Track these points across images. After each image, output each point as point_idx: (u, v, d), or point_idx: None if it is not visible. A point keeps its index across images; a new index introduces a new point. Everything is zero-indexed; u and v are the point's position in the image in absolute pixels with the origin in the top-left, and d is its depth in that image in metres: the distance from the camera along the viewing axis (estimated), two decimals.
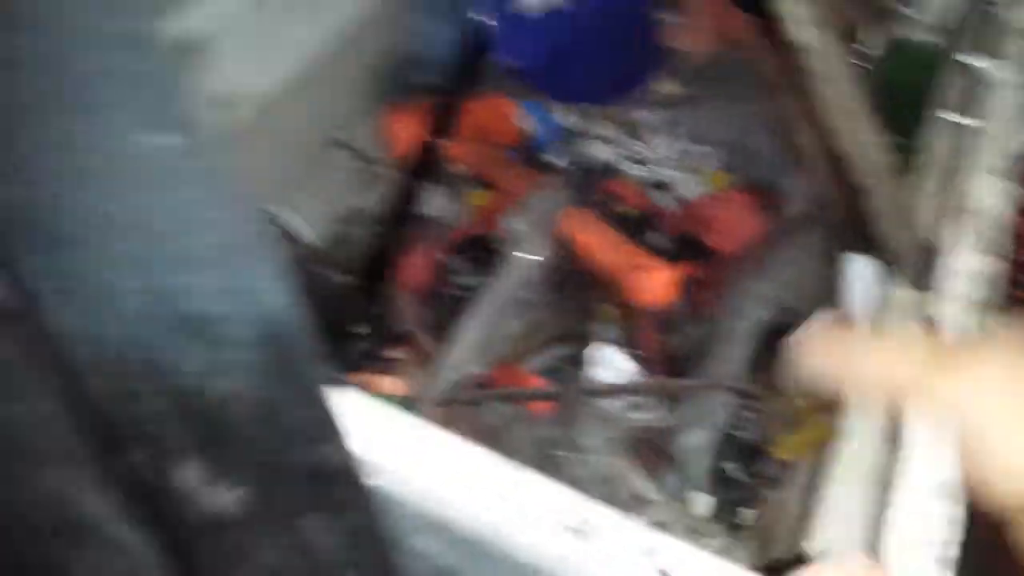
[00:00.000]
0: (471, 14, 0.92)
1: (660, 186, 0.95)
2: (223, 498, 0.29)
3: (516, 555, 0.30)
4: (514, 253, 0.70)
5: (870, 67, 0.99)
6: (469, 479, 0.31)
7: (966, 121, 0.62)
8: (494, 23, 0.90)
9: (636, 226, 0.86)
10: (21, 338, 0.34)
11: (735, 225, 0.86)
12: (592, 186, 0.91)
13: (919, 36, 1.00)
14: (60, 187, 0.20)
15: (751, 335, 0.76)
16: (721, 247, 0.84)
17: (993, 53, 0.64)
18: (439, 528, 0.32)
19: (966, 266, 0.48)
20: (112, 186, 0.20)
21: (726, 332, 0.75)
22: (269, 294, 0.24)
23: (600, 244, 0.78)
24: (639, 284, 0.74)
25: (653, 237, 0.86)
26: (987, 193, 0.52)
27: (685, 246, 0.85)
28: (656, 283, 0.75)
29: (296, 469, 0.29)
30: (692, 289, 0.82)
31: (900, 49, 0.99)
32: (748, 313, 0.76)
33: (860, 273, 0.71)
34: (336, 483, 0.29)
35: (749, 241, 0.84)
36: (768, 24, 0.94)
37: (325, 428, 0.28)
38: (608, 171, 0.96)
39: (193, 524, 0.29)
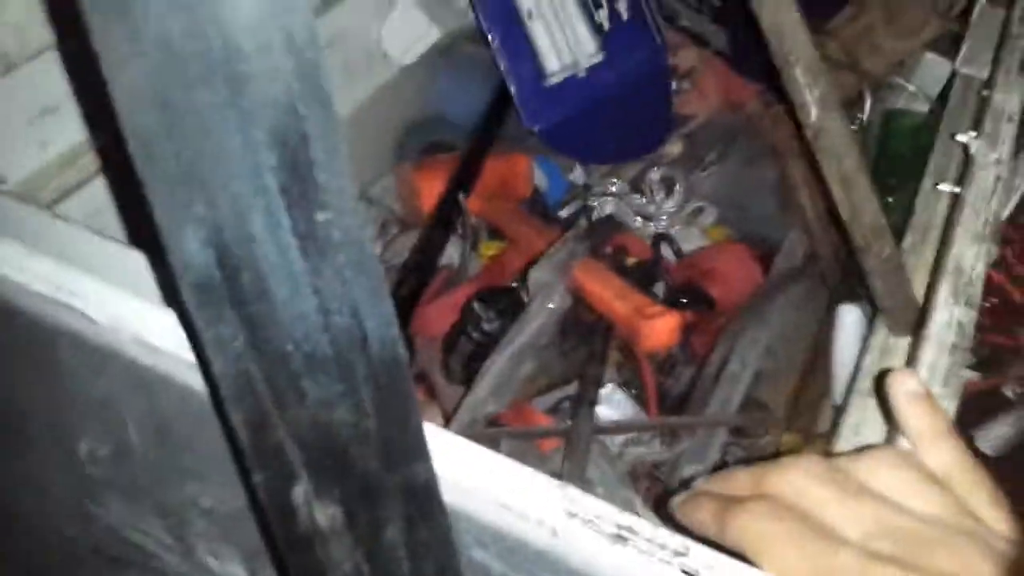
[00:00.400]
0: (494, 79, 1.00)
1: (663, 239, 1.02)
2: (321, 515, 0.35)
3: (564, 561, 0.36)
4: (534, 302, 0.76)
5: (867, 134, 1.07)
6: (519, 494, 0.37)
7: (950, 188, 0.69)
8: (515, 88, 0.97)
9: (641, 276, 0.92)
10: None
11: (733, 276, 0.93)
12: (600, 239, 0.98)
13: (912, 107, 1.08)
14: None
15: (745, 378, 0.83)
16: (719, 296, 0.91)
17: (976, 129, 0.71)
18: (494, 539, 0.38)
19: (945, 316, 0.54)
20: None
21: (722, 375, 0.81)
22: (381, 333, 0.31)
23: (608, 293, 0.84)
24: (644, 330, 0.80)
25: (657, 287, 0.92)
26: (967, 254, 0.58)
27: (687, 295, 0.91)
28: (660, 329, 0.81)
29: (387, 487, 0.34)
30: (691, 335, 0.88)
31: (894, 118, 1.08)
32: (743, 358, 0.82)
33: (849, 322, 0.78)
34: (418, 499, 0.35)
35: (745, 291, 0.90)
36: (772, 94, 1.02)
37: (416, 450, 0.34)
38: (615, 225, 1.03)
39: (292, 537, 0.35)
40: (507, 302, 0.78)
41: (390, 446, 0.33)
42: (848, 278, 0.81)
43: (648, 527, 0.34)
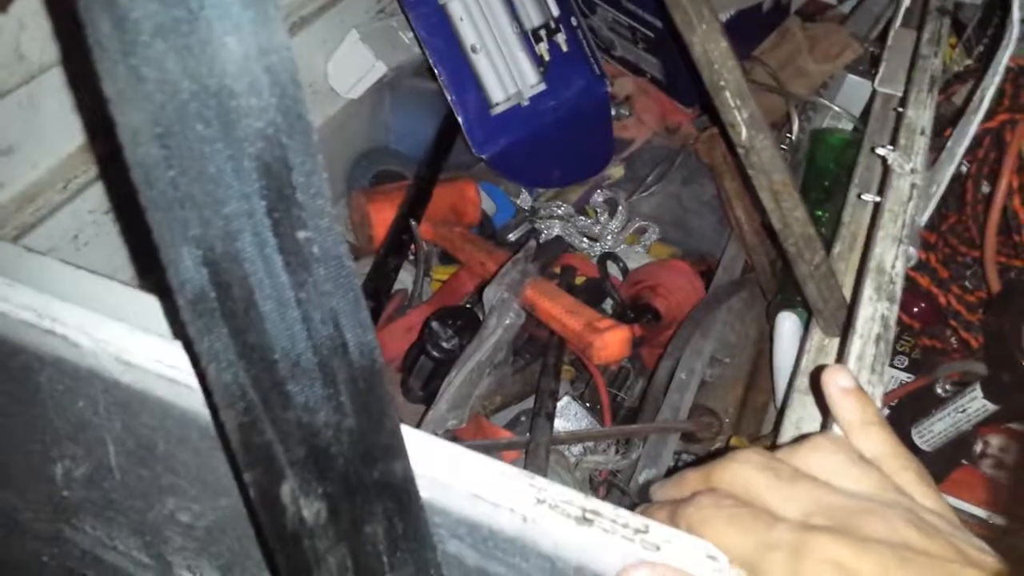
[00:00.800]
0: (440, 111, 1.04)
1: (609, 257, 1.06)
2: (307, 510, 0.37)
3: (535, 545, 0.39)
4: (490, 319, 0.79)
5: (796, 151, 1.13)
6: (491, 485, 0.40)
7: (872, 198, 0.74)
8: (463, 118, 1.01)
9: (590, 294, 0.96)
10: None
11: (677, 290, 0.97)
12: (549, 260, 1.01)
13: (837, 125, 1.15)
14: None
15: (692, 386, 0.87)
16: (665, 310, 0.95)
17: (893, 143, 0.76)
18: (469, 530, 0.41)
19: (870, 312, 0.59)
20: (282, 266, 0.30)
21: (671, 384, 0.85)
22: (359, 340, 0.33)
23: (560, 309, 0.88)
24: (596, 343, 0.83)
25: (606, 303, 0.96)
26: (887, 255, 0.63)
27: (634, 310, 0.95)
28: (611, 342, 0.84)
29: (367, 484, 0.37)
30: (640, 347, 0.92)
31: (821, 136, 1.14)
32: (689, 367, 0.86)
33: (787, 328, 0.83)
34: (396, 495, 0.38)
35: (689, 304, 0.95)
36: (705, 117, 1.07)
37: (393, 449, 0.37)
38: (562, 246, 1.07)
39: (281, 532, 0.38)
40: (464, 320, 0.81)
41: (369, 445, 0.36)
42: (785, 287, 0.86)
43: (611, 509, 0.37)
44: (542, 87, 1.07)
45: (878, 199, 0.73)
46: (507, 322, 0.78)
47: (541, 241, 1.07)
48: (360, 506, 0.38)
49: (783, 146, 1.13)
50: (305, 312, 0.32)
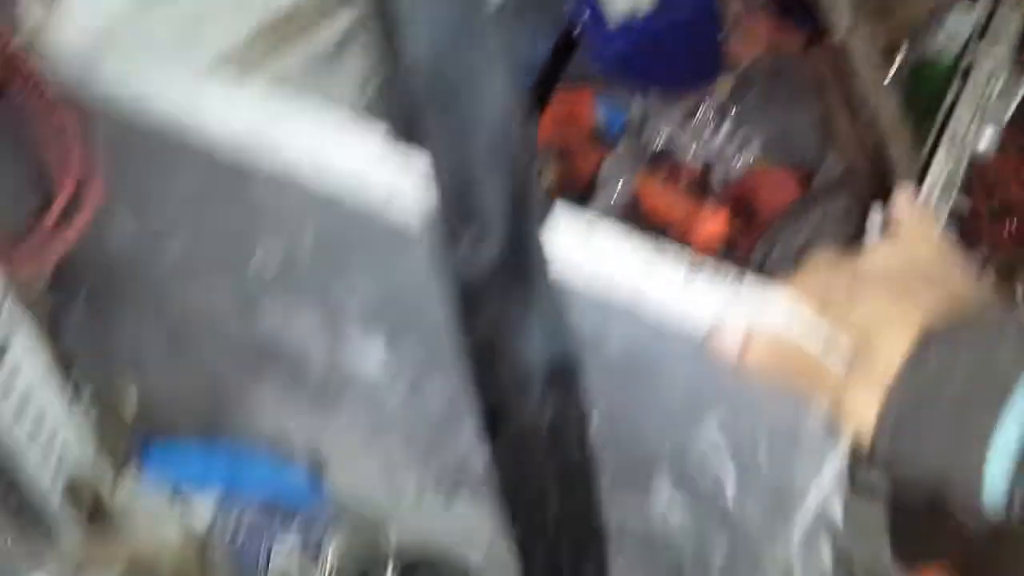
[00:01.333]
0: (560, 24, 1.13)
1: (713, 167, 1.13)
2: (483, 257, 0.48)
3: (644, 311, 0.49)
4: (600, 193, 0.89)
5: (903, 78, 1.17)
6: (607, 257, 0.50)
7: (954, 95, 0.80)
8: (581, 27, 1.10)
9: (694, 194, 1.04)
10: None
11: (776, 193, 1.04)
12: (656, 164, 1.10)
13: (945, 52, 1.18)
14: None
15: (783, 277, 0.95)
16: (763, 209, 1.02)
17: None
18: (589, 300, 0.51)
19: (941, 163, 0.67)
20: None
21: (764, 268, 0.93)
22: (519, 140, 0.44)
23: (663, 200, 0.97)
24: (696, 226, 0.92)
25: (707, 203, 1.04)
26: (960, 126, 0.70)
27: (734, 209, 1.03)
28: (708, 228, 0.93)
29: (513, 254, 0.47)
30: (738, 239, 1.00)
31: (926, 63, 1.18)
32: (782, 254, 0.94)
33: (878, 220, 0.89)
34: (531, 267, 0.48)
35: (786, 204, 1.02)
36: (813, 32, 1.12)
37: (535, 229, 0.47)
38: (669, 154, 1.15)
39: (465, 276, 0.48)
40: (576, 195, 0.91)
41: (518, 226, 0.46)
42: (877, 176, 0.92)
43: (711, 266, 0.47)
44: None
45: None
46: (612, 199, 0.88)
47: (651, 148, 1.15)
48: (511, 268, 0.48)
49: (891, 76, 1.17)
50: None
